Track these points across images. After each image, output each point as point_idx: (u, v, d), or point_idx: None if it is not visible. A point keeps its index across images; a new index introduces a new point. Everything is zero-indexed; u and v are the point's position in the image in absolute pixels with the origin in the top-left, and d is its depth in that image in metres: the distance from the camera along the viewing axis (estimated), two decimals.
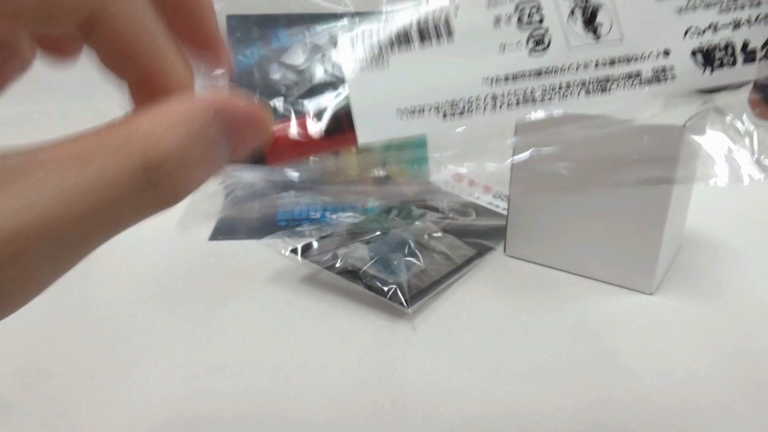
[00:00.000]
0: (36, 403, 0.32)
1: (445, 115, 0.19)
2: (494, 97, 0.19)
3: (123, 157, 0.14)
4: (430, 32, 0.19)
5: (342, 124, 0.19)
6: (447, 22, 0.19)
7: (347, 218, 0.51)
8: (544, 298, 0.42)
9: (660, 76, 0.19)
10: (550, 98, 0.19)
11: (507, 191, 0.46)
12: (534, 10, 0.19)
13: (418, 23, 0.19)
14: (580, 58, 0.19)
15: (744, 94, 0.20)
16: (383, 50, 0.19)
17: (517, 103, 0.19)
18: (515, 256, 0.48)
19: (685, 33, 0.19)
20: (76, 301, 0.43)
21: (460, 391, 0.33)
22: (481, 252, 0.47)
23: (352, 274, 0.42)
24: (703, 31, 0.19)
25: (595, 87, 0.19)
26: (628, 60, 0.19)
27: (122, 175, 0.13)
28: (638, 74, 0.19)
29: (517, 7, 0.19)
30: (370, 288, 0.41)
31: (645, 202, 0.40)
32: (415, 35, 0.19)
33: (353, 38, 0.19)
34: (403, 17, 0.19)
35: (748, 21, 0.18)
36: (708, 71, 0.19)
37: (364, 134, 0.19)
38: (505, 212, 0.48)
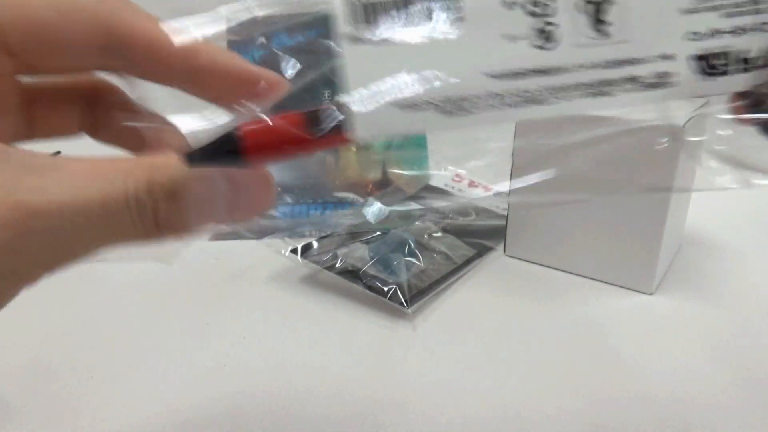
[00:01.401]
0: (36, 403, 0.32)
1: (446, 112, 0.17)
2: (498, 96, 0.17)
3: (131, 178, 0.15)
4: (437, 10, 0.17)
5: (335, 122, 0.17)
6: (458, 1, 0.17)
7: (347, 218, 0.51)
8: (544, 298, 0.42)
9: (661, 81, 0.18)
10: (555, 99, 0.18)
11: (507, 191, 0.46)
12: (547, 1, 0.17)
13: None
14: (586, 58, 0.17)
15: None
16: (383, 20, 0.17)
17: (521, 103, 0.17)
18: (515, 256, 0.48)
19: (688, 37, 0.18)
20: (76, 301, 0.43)
21: (460, 391, 0.33)
22: (481, 252, 0.47)
23: (352, 274, 0.42)
24: (705, 36, 0.18)
25: (598, 90, 0.18)
26: (633, 62, 0.18)
27: (125, 195, 0.14)
28: (641, 78, 0.18)
29: None
30: (370, 288, 0.41)
31: (645, 202, 0.40)
32: (421, 11, 0.17)
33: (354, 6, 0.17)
34: None
35: (749, 28, 0.18)
36: (707, 78, 0.18)
37: (361, 129, 0.17)
38: (505, 212, 0.48)
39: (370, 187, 0.62)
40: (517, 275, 0.45)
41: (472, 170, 0.60)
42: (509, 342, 0.37)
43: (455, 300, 0.42)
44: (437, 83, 0.17)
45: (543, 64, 0.17)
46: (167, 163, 0.15)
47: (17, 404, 0.32)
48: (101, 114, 0.21)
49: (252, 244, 0.52)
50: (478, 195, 0.56)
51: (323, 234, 0.48)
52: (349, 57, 0.17)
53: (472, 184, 0.58)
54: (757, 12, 0.18)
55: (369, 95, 0.17)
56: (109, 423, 0.31)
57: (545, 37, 0.17)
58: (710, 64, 0.18)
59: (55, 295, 0.43)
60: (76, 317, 0.41)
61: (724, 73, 0.18)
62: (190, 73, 0.19)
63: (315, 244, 0.46)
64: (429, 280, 0.42)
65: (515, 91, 0.17)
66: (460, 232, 0.49)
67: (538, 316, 0.40)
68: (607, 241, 0.42)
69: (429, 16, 0.17)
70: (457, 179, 0.58)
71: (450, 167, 0.60)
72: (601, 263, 0.43)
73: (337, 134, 0.17)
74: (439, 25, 0.17)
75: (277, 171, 0.19)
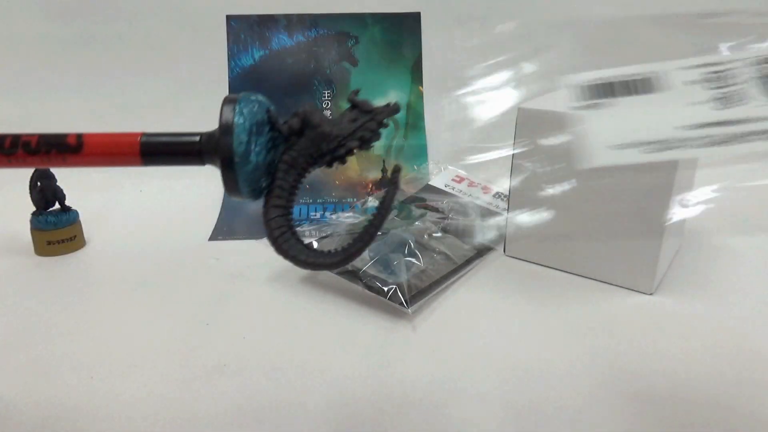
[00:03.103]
0: (36, 403, 0.32)
1: (648, 151, 0.25)
2: (688, 140, 0.24)
3: None
4: (637, 86, 0.27)
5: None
6: (654, 81, 0.27)
7: (347, 218, 0.51)
8: (544, 298, 0.42)
9: None
10: (737, 142, 0.24)
11: (507, 192, 0.46)
12: (729, 76, 0.26)
13: (631, 78, 0.27)
14: (759, 114, 0.24)
15: None
16: (616, 91, 0.27)
17: (708, 144, 0.24)
18: (515, 256, 0.48)
19: None
20: (76, 302, 0.43)
21: (460, 391, 0.33)
22: (481, 252, 0.47)
23: (352, 274, 0.42)
24: None
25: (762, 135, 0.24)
26: None
27: None
28: None
29: (713, 76, 0.26)
30: (370, 288, 0.41)
31: (645, 202, 0.40)
32: (631, 86, 0.27)
33: (583, 86, 0.27)
34: (626, 72, 0.27)
35: None
36: None
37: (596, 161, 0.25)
38: (505, 212, 0.48)
39: (371, 187, 0.62)
40: (517, 275, 0.45)
41: (472, 165, 0.60)
42: (509, 342, 0.37)
43: (455, 300, 0.42)
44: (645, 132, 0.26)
45: (721, 119, 0.25)
46: None
47: (17, 404, 0.32)
48: None
49: (252, 243, 0.52)
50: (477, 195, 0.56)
51: (323, 234, 0.48)
52: (588, 119, 0.26)
53: (472, 185, 0.58)
54: None
55: (599, 133, 0.26)
56: (109, 423, 0.31)
57: (723, 101, 0.25)
58: None
59: (55, 296, 0.43)
60: (76, 317, 0.41)
61: None
62: None
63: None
64: (429, 280, 0.42)
65: (701, 136, 0.25)
66: (460, 232, 0.49)
67: (538, 316, 0.40)
68: (607, 241, 0.42)
69: (629, 92, 0.27)
70: (457, 179, 0.59)
71: (450, 166, 0.60)
72: (601, 263, 0.43)
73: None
74: (643, 94, 0.27)
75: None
